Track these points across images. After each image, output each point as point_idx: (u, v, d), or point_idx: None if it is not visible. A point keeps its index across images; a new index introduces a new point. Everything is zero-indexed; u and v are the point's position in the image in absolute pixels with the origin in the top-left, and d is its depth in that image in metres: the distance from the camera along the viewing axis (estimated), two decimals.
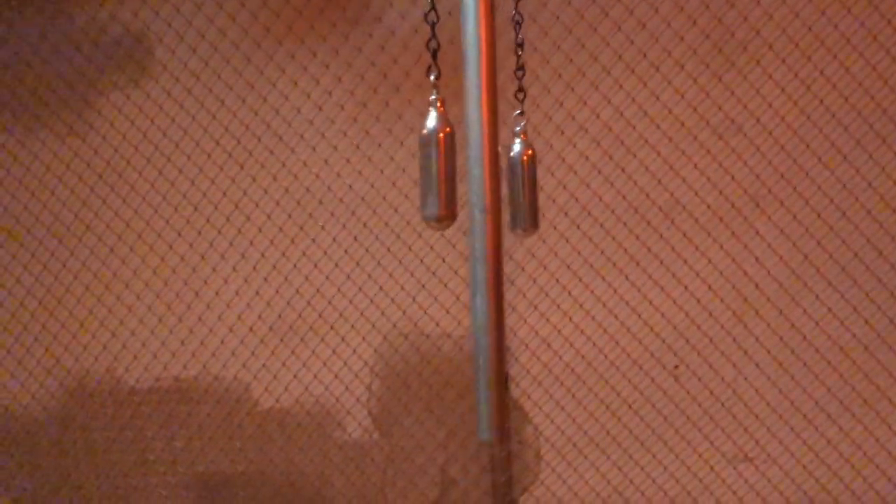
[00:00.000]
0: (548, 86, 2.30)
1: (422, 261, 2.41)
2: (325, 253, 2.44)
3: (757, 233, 2.31)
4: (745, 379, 2.38)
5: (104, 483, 2.64)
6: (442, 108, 0.88)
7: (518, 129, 1.03)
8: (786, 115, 2.23)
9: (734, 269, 2.33)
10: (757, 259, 2.32)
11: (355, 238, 2.42)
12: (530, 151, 1.00)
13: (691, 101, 2.26)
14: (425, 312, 2.45)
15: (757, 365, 2.37)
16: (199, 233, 2.46)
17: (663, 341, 2.39)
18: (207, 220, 2.46)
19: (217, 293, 2.50)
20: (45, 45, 2.45)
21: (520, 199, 1.01)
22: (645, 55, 2.27)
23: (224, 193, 2.44)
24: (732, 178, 2.28)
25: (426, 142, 0.87)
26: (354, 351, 2.49)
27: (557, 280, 2.38)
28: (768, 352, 2.36)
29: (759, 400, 2.38)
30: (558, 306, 2.40)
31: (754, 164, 2.28)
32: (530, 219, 1.02)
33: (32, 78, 2.47)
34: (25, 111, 2.50)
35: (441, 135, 0.85)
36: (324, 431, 2.58)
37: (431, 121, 0.87)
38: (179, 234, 2.47)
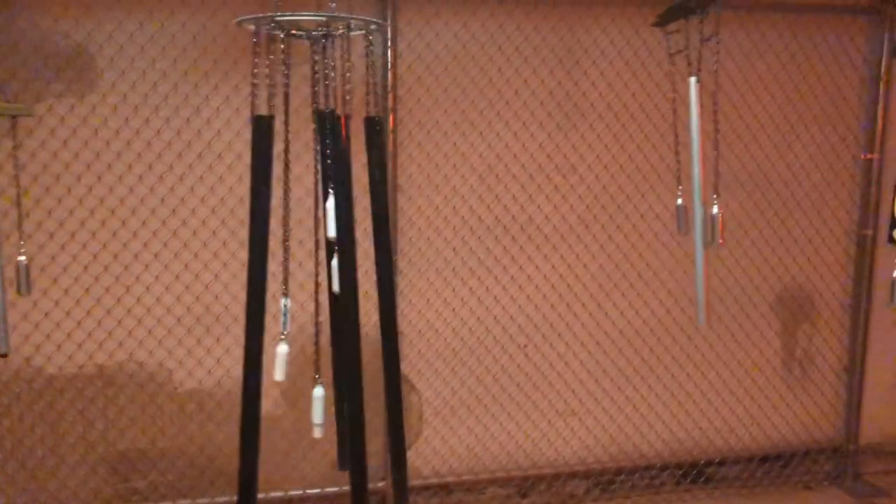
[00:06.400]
0: (445, 129, 2.94)
1: None
2: None
3: (585, 246, 3.16)
4: (573, 353, 3.23)
5: (18, 469, 2.79)
6: None
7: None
8: (607, 163, 3.10)
9: (569, 272, 3.16)
10: (584, 264, 3.17)
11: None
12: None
13: (544, 146, 3.04)
14: None
15: (581, 342, 3.23)
16: (135, 234, 2.74)
17: (517, 325, 3.15)
18: (143, 224, 2.74)
19: (147, 288, 2.79)
20: None
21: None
22: (514, 111, 3.01)
23: (162, 201, 2.74)
24: (571, 206, 3.11)
25: None
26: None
27: (441, 276, 3.04)
28: (588, 333, 3.23)
29: (581, 368, 3.25)
30: (441, 297, 3.05)
31: (585, 197, 3.13)
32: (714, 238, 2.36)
33: None
34: None
35: None
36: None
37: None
38: (114, 235, 2.72)
